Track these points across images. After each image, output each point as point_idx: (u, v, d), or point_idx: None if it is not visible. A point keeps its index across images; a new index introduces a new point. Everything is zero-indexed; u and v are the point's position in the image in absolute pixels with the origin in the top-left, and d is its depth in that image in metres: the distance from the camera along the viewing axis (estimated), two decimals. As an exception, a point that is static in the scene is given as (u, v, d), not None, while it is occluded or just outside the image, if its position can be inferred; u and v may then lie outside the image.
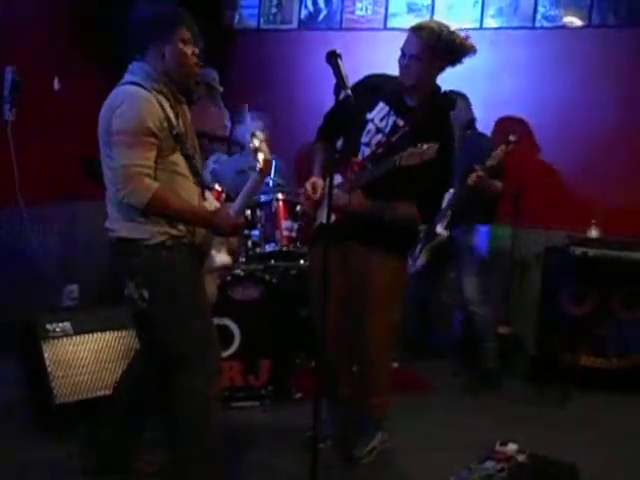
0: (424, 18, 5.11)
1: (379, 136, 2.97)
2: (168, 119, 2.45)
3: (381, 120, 2.98)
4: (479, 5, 4.98)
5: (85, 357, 3.36)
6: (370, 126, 2.99)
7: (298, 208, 3.66)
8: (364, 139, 2.99)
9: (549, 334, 4.32)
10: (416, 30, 2.90)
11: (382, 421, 3.25)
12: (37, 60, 4.28)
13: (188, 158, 2.54)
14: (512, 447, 3.00)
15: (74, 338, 3.37)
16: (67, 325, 3.37)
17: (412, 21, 5.04)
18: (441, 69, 2.96)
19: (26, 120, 4.19)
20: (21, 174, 4.10)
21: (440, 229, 4.15)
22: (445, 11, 5.08)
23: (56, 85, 4.49)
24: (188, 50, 2.54)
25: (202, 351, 2.58)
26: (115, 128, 2.40)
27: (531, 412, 3.85)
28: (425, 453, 3.24)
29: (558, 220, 4.67)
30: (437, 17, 5.09)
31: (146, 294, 2.50)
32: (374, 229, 2.95)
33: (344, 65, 2.52)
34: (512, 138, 4.06)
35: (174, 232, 2.49)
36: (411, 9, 5.14)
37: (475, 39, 4.89)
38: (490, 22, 4.99)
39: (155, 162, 2.42)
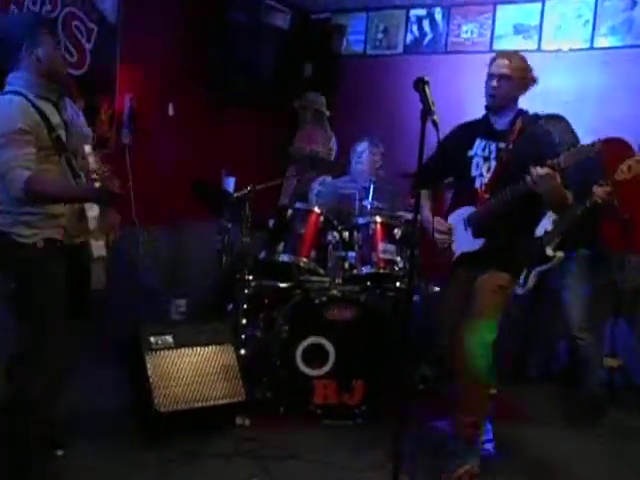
0: (532, 39, 5.05)
1: (488, 164, 3.24)
2: (47, 122, 2.62)
3: (483, 150, 3.26)
4: (590, 24, 4.85)
5: (185, 369, 3.51)
6: (476, 160, 3.27)
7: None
8: (475, 172, 3.27)
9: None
10: (503, 54, 3.29)
11: (473, 444, 3.17)
12: (153, 87, 4.56)
13: (69, 161, 2.70)
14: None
15: (175, 351, 3.53)
16: (169, 338, 3.54)
17: (519, 43, 5.08)
18: (524, 89, 3.23)
19: (141, 144, 4.47)
20: (136, 195, 4.36)
21: (550, 251, 4.08)
22: (554, 31, 4.99)
23: (170, 111, 4.76)
24: (53, 47, 2.71)
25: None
26: None
27: (637, 449, 3.66)
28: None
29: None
30: (545, 38, 5.03)
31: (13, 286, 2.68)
32: (500, 250, 3.17)
33: (432, 91, 2.64)
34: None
35: (47, 235, 2.66)
36: (518, 30, 5.08)
37: (585, 60, 4.85)
38: (602, 41, 4.84)
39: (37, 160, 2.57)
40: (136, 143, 4.46)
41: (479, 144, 3.27)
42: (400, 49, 5.55)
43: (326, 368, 3.82)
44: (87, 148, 2.82)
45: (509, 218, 3.13)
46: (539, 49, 5.02)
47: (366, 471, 3.20)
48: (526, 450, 3.56)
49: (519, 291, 4.04)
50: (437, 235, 3.30)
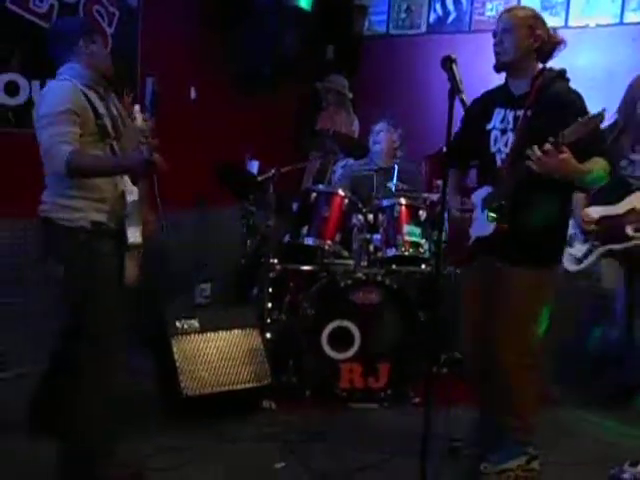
0: (559, 16, 4.94)
1: (506, 136, 2.92)
2: (94, 109, 2.69)
3: (501, 122, 2.93)
4: (619, -1, 4.73)
5: (211, 353, 3.52)
6: (494, 133, 2.95)
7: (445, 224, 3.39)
8: (493, 148, 2.95)
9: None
10: (506, 9, 3.09)
11: (525, 443, 3.00)
12: (175, 71, 4.54)
13: (112, 148, 2.75)
14: (642, 468, 2.83)
15: (201, 335, 3.54)
16: (195, 322, 3.55)
17: (546, 19, 4.93)
18: (537, 42, 2.84)
19: (164, 128, 4.45)
20: (159, 179, 4.35)
21: (631, 231, 3.63)
22: (582, 6, 4.88)
23: (193, 95, 4.74)
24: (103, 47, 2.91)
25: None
26: (40, 114, 2.64)
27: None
28: (549, 469, 3.09)
29: None
30: (573, 14, 4.93)
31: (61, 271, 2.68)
32: (518, 241, 2.85)
33: (459, 70, 2.55)
34: None
35: (94, 218, 2.68)
36: (545, 7, 4.96)
37: (614, 36, 4.74)
38: (631, 17, 4.72)
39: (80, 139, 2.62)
40: (159, 126, 4.43)
41: (497, 114, 2.94)
42: (423, 29, 5.46)
43: (352, 351, 3.81)
44: (137, 107, 2.90)
45: (527, 202, 2.81)
46: (566, 25, 4.89)
47: (393, 454, 3.18)
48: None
49: (574, 268, 3.75)
50: (460, 215, 3.01)
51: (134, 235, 2.81)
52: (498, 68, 2.92)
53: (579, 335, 4.37)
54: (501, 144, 2.93)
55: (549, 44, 2.88)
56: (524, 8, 3.06)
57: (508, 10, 3.01)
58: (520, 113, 2.85)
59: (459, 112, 2.65)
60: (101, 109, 2.75)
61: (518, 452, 3.00)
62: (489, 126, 2.95)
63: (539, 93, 2.82)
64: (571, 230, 3.64)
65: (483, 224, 2.90)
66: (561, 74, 2.90)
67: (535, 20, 2.88)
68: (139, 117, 2.87)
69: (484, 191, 2.97)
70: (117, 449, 2.80)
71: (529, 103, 2.83)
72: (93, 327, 2.68)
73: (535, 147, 2.63)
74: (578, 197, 3.65)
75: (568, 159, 2.62)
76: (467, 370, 3.26)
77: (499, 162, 2.93)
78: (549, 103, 2.78)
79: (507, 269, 2.90)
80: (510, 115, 2.90)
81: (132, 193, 2.85)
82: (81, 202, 2.68)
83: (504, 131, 2.92)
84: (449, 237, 3.50)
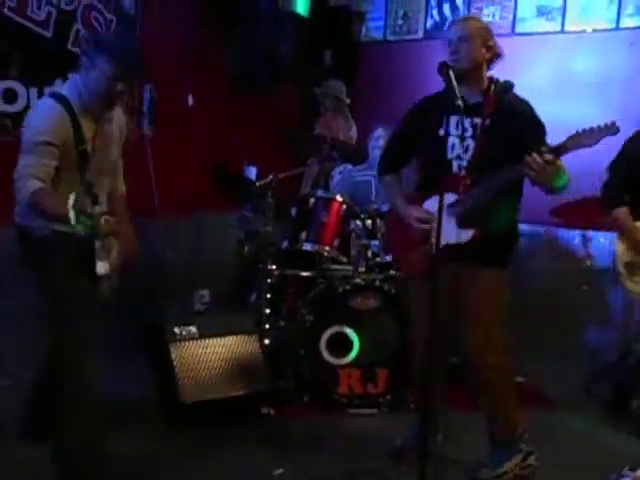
0: (555, 21, 4.96)
1: (465, 143, 2.95)
2: (79, 135, 2.63)
3: (456, 129, 2.94)
4: (615, 4, 4.73)
5: (209, 360, 3.52)
6: (451, 140, 2.95)
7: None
8: (450, 155, 2.95)
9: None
10: (460, 18, 3.25)
11: (514, 442, 3.03)
12: (173, 77, 4.55)
13: (89, 187, 2.67)
14: (641, 473, 2.83)
15: (199, 341, 3.54)
16: (193, 329, 3.55)
17: (542, 24, 4.99)
18: (490, 54, 2.94)
19: (162, 134, 4.46)
20: (158, 186, 4.37)
21: None
22: (578, 11, 4.88)
23: (190, 101, 4.75)
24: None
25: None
26: (23, 138, 2.64)
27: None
28: (548, 473, 3.09)
29: None
30: (569, 19, 4.92)
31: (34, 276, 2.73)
32: (488, 244, 2.92)
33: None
34: None
35: (56, 227, 2.65)
36: (541, 12, 4.98)
37: (611, 41, 4.75)
38: (628, 22, 4.73)
39: (58, 173, 2.60)
40: (157, 133, 4.46)
41: (450, 121, 2.90)
42: (420, 34, 5.47)
43: (350, 357, 3.81)
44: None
45: (495, 206, 2.88)
46: (563, 31, 4.90)
47: (392, 460, 3.17)
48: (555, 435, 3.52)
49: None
50: (417, 224, 3.00)
51: (101, 267, 2.77)
52: (458, 77, 2.89)
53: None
54: (460, 151, 2.95)
55: (496, 56, 2.97)
56: (478, 19, 3.14)
57: (464, 19, 3.14)
58: (478, 121, 2.92)
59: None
60: (89, 133, 2.69)
61: (513, 452, 3.04)
62: (442, 132, 2.88)
63: (496, 103, 2.92)
64: None
65: (452, 231, 2.87)
66: (508, 85, 3.00)
67: (487, 32, 2.97)
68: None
69: (435, 200, 2.70)
70: (113, 455, 2.79)
71: (488, 112, 2.91)
72: (69, 329, 2.70)
73: (535, 155, 2.67)
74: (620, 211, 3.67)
75: (561, 167, 2.73)
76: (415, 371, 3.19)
77: (456, 169, 2.96)
78: (505, 112, 2.90)
79: (477, 271, 2.93)
80: (467, 122, 2.92)
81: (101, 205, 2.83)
82: (45, 217, 2.66)
83: (462, 138, 2.94)
84: (393, 249, 3.57)
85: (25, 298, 3.62)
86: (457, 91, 2.56)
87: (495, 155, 2.86)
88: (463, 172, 2.94)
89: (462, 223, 2.90)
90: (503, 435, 3.04)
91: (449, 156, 2.94)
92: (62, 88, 2.76)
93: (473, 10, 5.18)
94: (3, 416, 3.11)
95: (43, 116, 2.63)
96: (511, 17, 5.08)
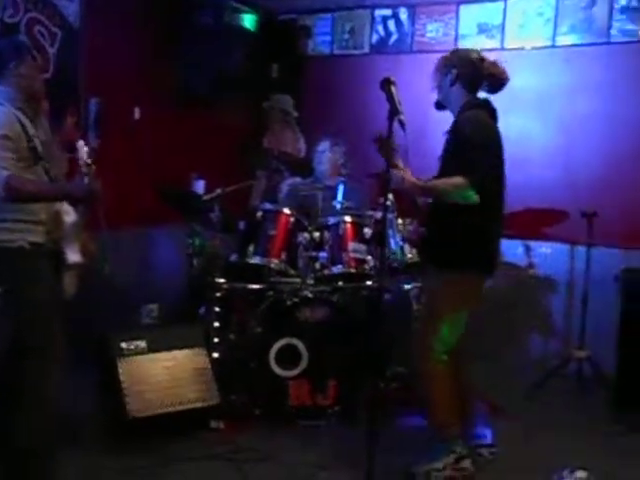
0: (495, 38, 5.11)
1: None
2: (26, 132, 2.71)
3: None
4: (551, 23, 4.92)
5: (157, 374, 3.50)
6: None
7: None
8: None
9: (630, 357, 4.13)
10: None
11: (448, 441, 3.14)
12: (118, 91, 4.52)
13: (47, 170, 2.78)
14: (581, 475, 2.92)
15: (147, 356, 3.52)
16: (141, 343, 3.53)
17: (483, 42, 5.13)
18: (454, 81, 3.13)
19: (108, 148, 4.41)
20: (104, 199, 4.31)
21: None
22: (516, 30, 5.06)
23: (136, 115, 4.72)
24: (34, 69, 2.87)
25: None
26: None
27: (608, 439, 3.72)
28: (492, 476, 3.18)
29: (636, 239, 4.53)
30: (508, 36, 5.09)
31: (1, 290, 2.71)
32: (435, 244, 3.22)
33: (400, 90, 2.75)
34: None
35: (32, 239, 2.70)
36: (482, 30, 5.14)
37: (548, 58, 4.92)
38: (563, 40, 4.91)
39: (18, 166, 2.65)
40: (103, 147, 4.40)
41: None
42: (366, 49, 5.58)
43: (299, 369, 3.83)
44: (81, 142, 2.97)
45: (435, 213, 3.22)
46: (502, 48, 5.07)
47: (341, 471, 3.21)
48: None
49: None
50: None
51: (73, 254, 2.85)
52: (437, 105, 3.26)
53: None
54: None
55: (477, 77, 3.14)
56: (449, 51, 3.32)
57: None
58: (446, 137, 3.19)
59: (399, 133, 2.75)
60: (32, 131, 2.77)
61: (444, 451, 3.13)
62: None
63: (454, 122, 3.15)
64: None
65: None
66: (478, 103, 3.16)
67: (455, 59, 3.17)
68: (82, 150, 2.92)
69: None
70: (59, 470, 2.76)
71: (448, 130, 3.17)
72: (32, 342, 2.69)
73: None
74: None
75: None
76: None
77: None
78: (452, 131, 3.13)
79: (438, 271, 3.21)
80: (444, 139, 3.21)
81: (69, 214, 2.89)
82: (18, 224, 2.70)
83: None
84: None
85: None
86: (399, 106, 2.63)
87: (443, 169, 3.13)
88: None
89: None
90: (440, 433, 3.17)
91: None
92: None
93: (417, 26, 5.32)
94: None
95: None
96: (453, 34, 5.23)
